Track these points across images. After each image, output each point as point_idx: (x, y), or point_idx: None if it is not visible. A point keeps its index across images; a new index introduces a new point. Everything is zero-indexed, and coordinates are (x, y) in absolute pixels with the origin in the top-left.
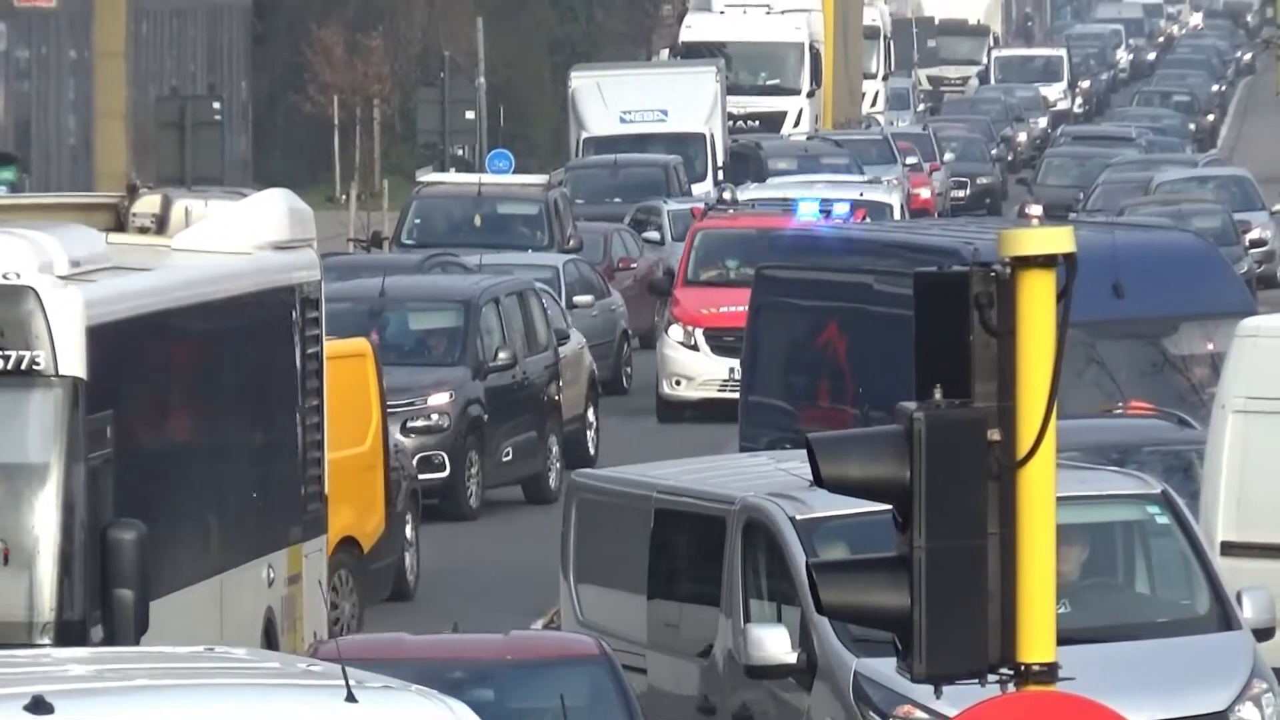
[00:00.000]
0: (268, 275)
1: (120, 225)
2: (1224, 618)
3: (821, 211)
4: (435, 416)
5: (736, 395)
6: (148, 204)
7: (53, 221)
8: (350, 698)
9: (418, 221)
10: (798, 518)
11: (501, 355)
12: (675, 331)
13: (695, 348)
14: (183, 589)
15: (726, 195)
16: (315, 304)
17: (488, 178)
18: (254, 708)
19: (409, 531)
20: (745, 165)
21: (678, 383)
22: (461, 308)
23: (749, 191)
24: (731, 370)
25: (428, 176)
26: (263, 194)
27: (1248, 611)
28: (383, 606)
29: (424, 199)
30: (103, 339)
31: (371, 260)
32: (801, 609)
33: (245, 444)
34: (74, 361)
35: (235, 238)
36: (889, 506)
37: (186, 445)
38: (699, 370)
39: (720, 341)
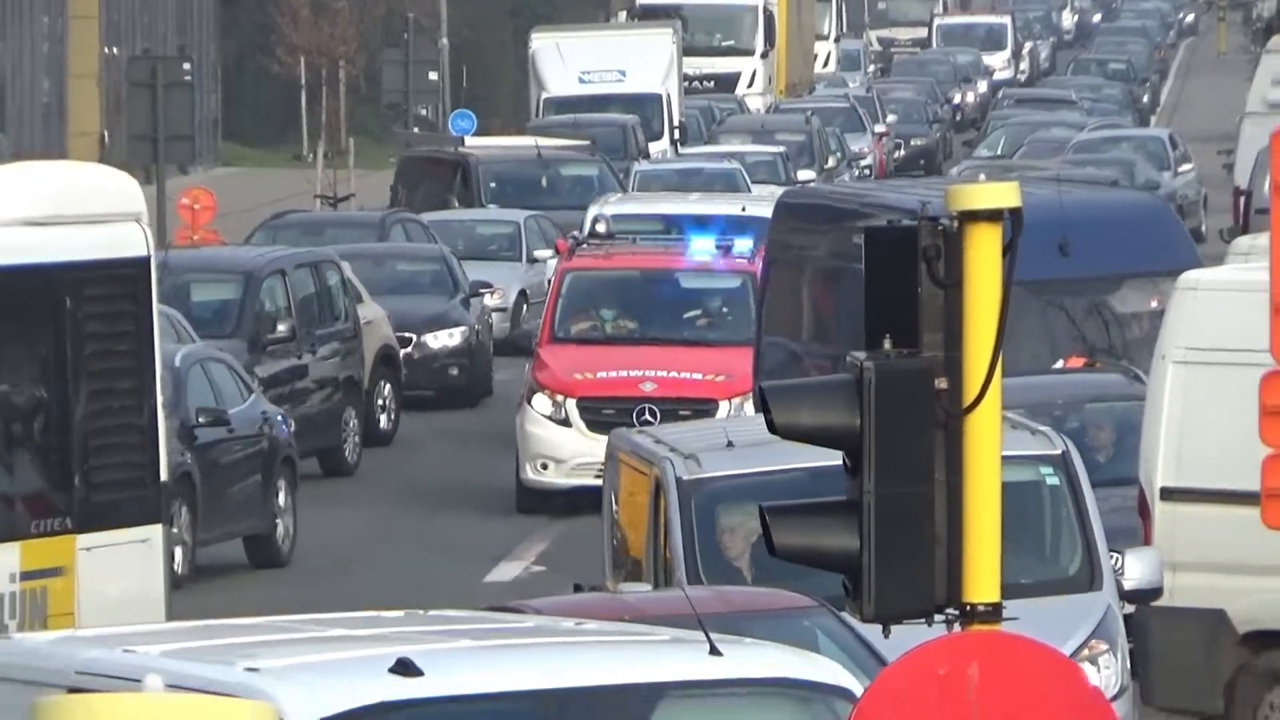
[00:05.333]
0: None
1: None
2: (1092, 580)
3: (719, 247)
4: None
5: None
6: None
7: None
8: (714, 651)
9: (492, 185)
10: (684, 478)
11: (280, 328)
12: (540, 402)
13: (566, 423)
14: None
15: (600, 227)
16: (108, 282)
17: (542, 141)
18: (627, 664)
19: (282, 499)
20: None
21: (544, 466)
22: (242, 280)
23: (614, 206)
24: None
25: (473, 141)
26: (14, 167)
27: (1132, 572)
28: (260, 574)
29: (487, 164)
30: None
31: (336, 217)
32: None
33: None
34: None
35: None
36: (798, 465)
37: None
38: (571, 451)
39: (599, 415)
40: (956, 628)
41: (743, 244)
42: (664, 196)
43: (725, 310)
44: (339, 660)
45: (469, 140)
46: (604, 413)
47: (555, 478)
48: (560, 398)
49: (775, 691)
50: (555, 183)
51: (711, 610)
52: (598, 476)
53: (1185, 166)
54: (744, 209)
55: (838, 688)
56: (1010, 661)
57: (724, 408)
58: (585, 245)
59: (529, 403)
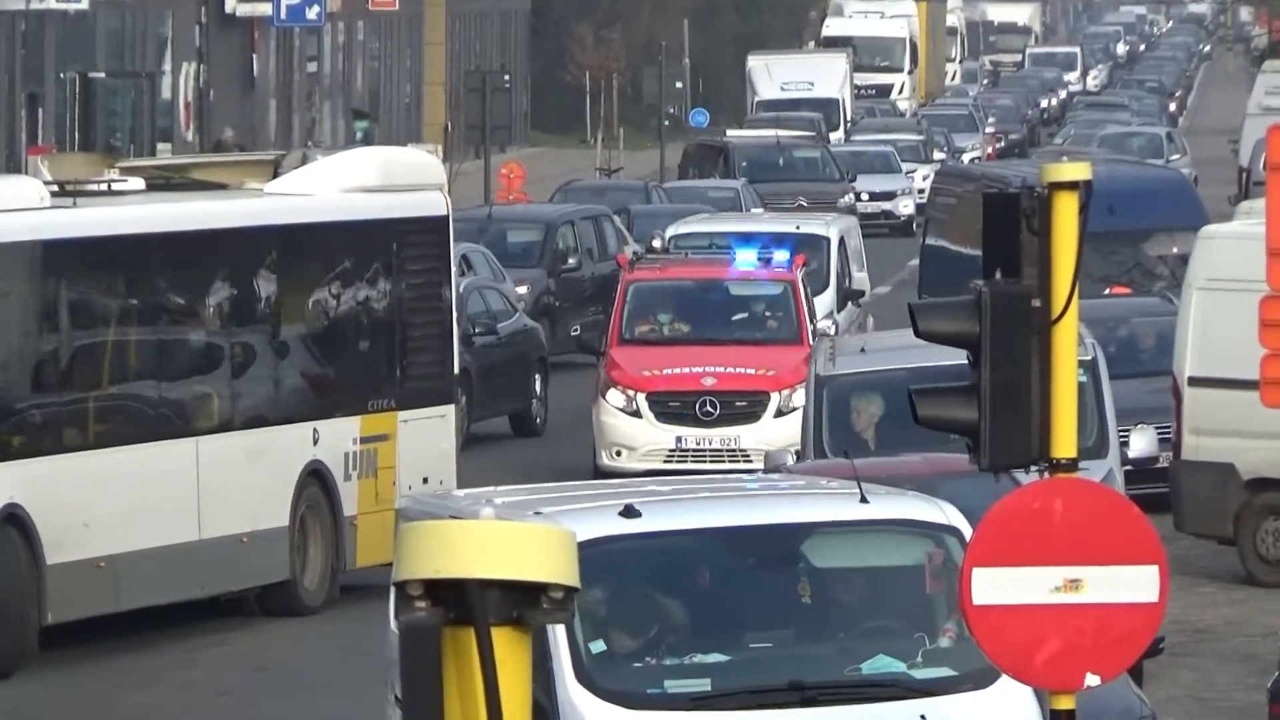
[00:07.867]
0: (329, 212)
1: (277, 174)
2: (1101, 450)
3: (760, 259)
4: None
5: (683, 466)
6: (291, 160)
7: (228, 174)
8: (863, 499)
9: (744, 164)
10: (821, 374)
11: (570, 261)
12: (614, 396)
13: (637, 414)
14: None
15: (656, 243)
16: (419, 233)
17: (783, 131)
18: (799, 509)
19: (536, 386)
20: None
21: (618, 453)
22: (543, 227)
23: (690, 225)
24: (678, 439)
25: (734, 132)
26: (354, 151)
27: (1136, 445)
28: (519, 440)
29: (741, 149)
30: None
31: (610, 183)
32: None
33: (276, 340)
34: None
35: (315, 184)
36: (905, 366)
37: (164, 337)
38: (642, 439)
39: (665, 407)
40: (1046, 475)
41: (780, 255)
42: (730, 217)
43: (769, 313)
44: (588, 507)
45: (729, 132)
46: (670, 405)
47: (628, 463)
48: (632, 392)
49: (903, 530)
50: (789, 162)
51: (917, 471)
52: (665, 461)
53: (1176, 156)
54: (798, 227)
55: (953, 527)
56: (1084, 498)
57: (774, 399)
58: (643, 261)
59: (604, 397)
